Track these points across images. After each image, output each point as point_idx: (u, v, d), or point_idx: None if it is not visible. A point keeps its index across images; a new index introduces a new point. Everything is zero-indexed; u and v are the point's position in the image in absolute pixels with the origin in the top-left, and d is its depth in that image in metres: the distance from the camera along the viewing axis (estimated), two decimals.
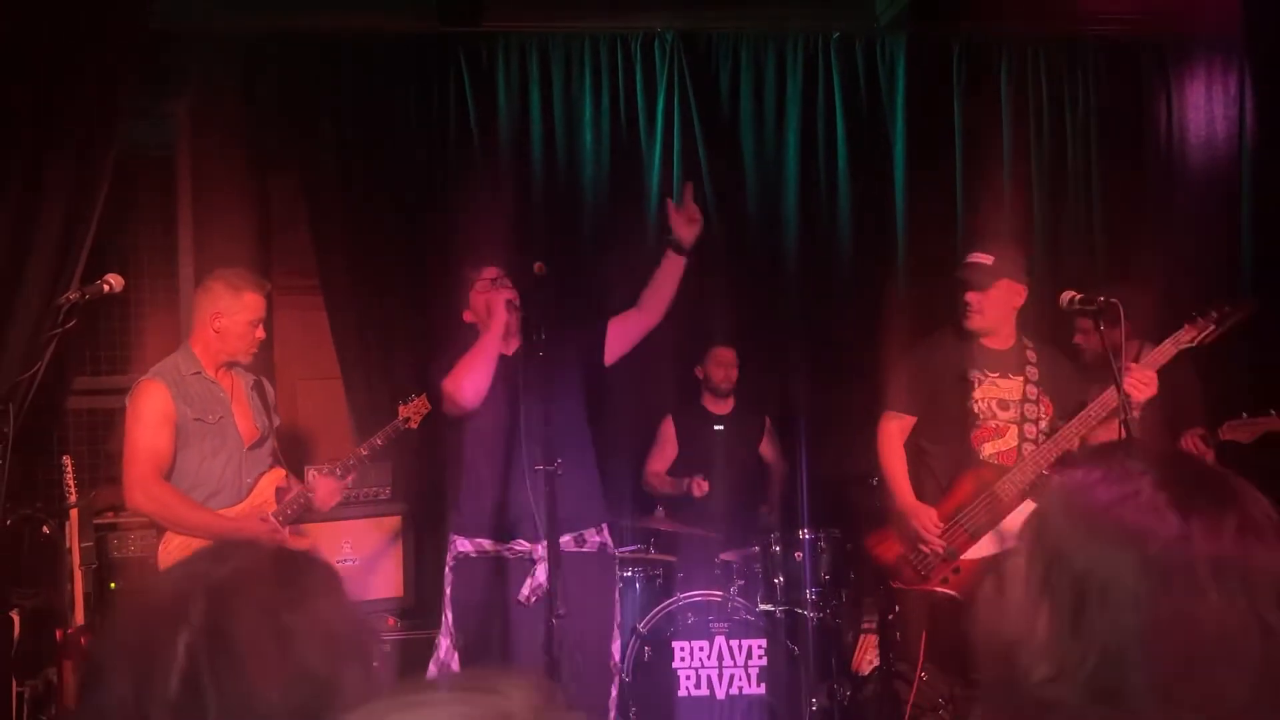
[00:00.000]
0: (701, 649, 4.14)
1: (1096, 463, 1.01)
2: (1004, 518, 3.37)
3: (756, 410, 4.91)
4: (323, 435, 4.85)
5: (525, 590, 3.25)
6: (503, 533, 3.32)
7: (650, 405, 4.93)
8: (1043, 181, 5.12)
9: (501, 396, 3.33)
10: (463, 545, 3.41)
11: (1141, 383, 3.20)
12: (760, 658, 4.14)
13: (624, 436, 4.76)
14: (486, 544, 3.36)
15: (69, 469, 3.90)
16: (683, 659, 4.12)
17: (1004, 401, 3.44)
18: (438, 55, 4.86)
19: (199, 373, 3.41)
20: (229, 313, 3.41)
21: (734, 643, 4.15)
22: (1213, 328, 3.07)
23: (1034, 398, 3.44)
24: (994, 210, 4.87)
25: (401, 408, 3.71)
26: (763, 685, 4.13)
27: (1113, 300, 3.19)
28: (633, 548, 4.40)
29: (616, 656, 3.62)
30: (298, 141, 4.81)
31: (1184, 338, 3.25)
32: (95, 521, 4.03)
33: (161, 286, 4.77)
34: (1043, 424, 3.45)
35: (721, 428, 4.82)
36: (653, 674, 4.10)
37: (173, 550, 3.35)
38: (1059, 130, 5.14)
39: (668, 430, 4.86)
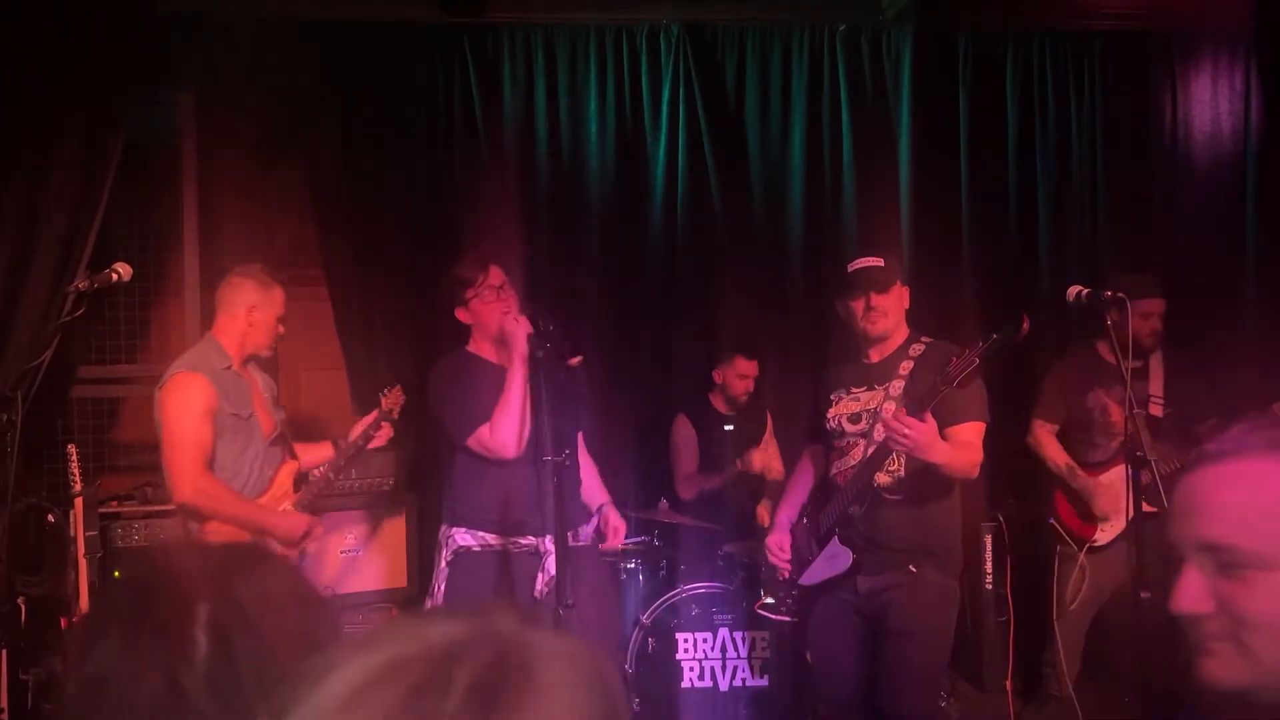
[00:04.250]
0: (705, 640, 4.16)
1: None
2: None
3: (760, 407, 4.92)
4: (326, 426, 4.85)
5: (539, 585, 3.20)
6: (508, 526, 3.26)
7: (655, 400, 4.93)
8: (1048, 174, 5.12)
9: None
10: (463, 538, 3.29)
11: (908, 432, 2.83)
12: (764, 650, 4.16)
13: (628, 431, 4.77)
14: (490, 538, 3.27)
15: (74, 458, 3.90)
16: (686, 650, 4.14)
17: (855, 415, 3.24)
18: (443, 45, 4.85)
19: (229, 367, 3.43)
20: (262, 307, 3.46)
21: (738, 634, 4.16)
22: (976, 361, 2.86)
23: (888, 414, 3.05)
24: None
25: (384, 399, 3.72)
26: (766, 677, 4.15)
27: (1120, 294, 3.20)
28: (637, 540, 4.40)
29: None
30: (302, 130, 4.80)
31: (949, 376, 2.87)
32: (100, 510, 4.04)
33: (166, 275, 4.77)
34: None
35: (731, 427, 4.82)
36: (656, 665, 4.11)
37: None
38: (1064, 123, 5.13)
39: (686, 431, 4.81)
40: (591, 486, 3.49)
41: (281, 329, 3.54)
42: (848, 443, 3.23)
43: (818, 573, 3.26)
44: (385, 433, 3.67)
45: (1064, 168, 5.13)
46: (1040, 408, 4.25)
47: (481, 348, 3.37)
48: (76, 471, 3.87)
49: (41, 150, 3.59)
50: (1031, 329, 2.83)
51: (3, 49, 3.59)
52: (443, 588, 3.30)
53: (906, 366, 3.17)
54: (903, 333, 3.25)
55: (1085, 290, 3.23)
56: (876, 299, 3.16)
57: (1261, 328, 4.82)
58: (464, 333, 3.41)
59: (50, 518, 4.00)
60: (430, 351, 4.80)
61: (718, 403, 4.83)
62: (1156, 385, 4.07)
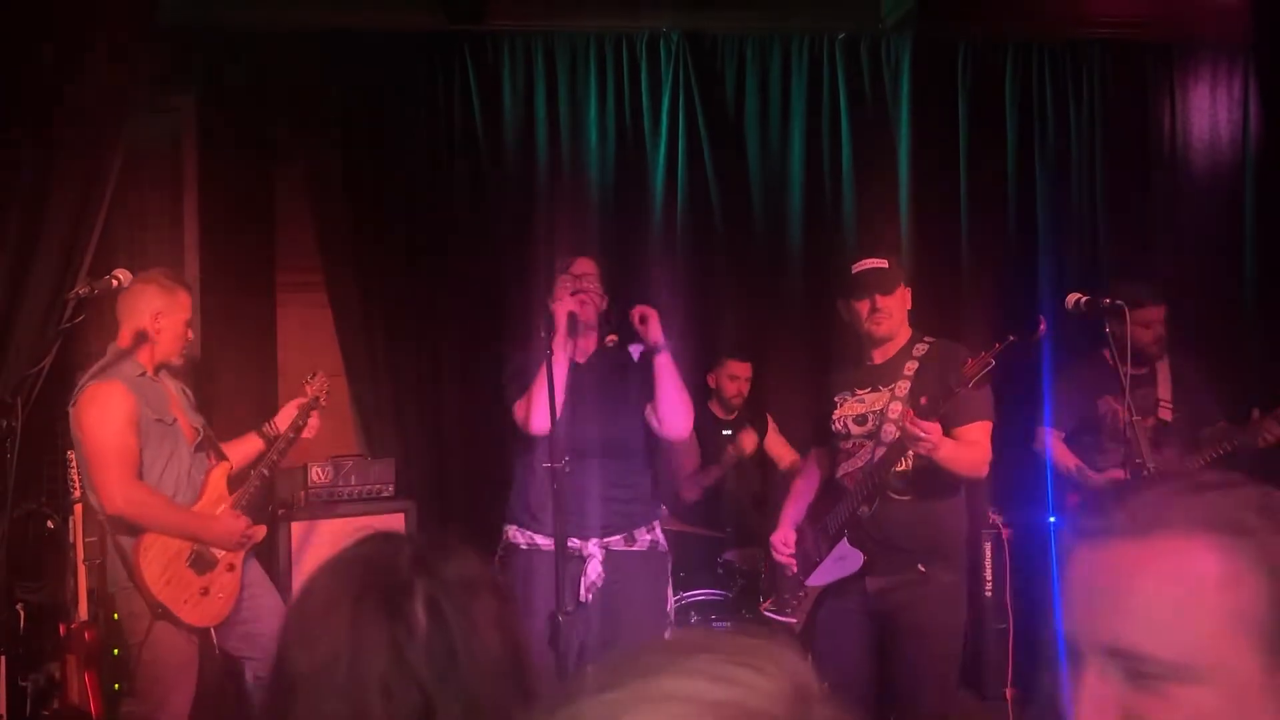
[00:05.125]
0: None
1: None
2: None
3: (759, 411, 4.91)
4: (325, 432, 4.85)
5: (583, 589, 3.22)
6: (551, 526, 3.22)
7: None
8: (1047, 182, 5.13)
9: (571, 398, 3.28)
10: (514, 535, 3.33)
11: (923, 435, 2.88)
12: None
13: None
14: (539, 538, 3.28)
15: (73, 464, 3.89)
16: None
17: (861, 417, 3.24)
18: (443, 52, 4.86)
19: (144, 374, 3.36)
20: (168, 312, 3.38)
21: None
22: (992, 362, 2.88)
23: (894, 415, 3.13)
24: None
25: (308, 387, 3.70)
26: None
27: (1118, 302, 3.20)
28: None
29: None
30: (303, 137, 4.82)
31: (964, 378, 2.90)
32: (99, 517, 4.04)
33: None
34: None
35: (729, 432, 4.82)
36: None
37: (152, 556, 3.32)
38: (1063, 131, 5.14)
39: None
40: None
41: (190, 334, 3.46)
42: (854, 444, 3.23)
43: (826, 573, 3.26)
44: (314, 423, 3.64)
45: (1063, 175, 5.14)
46: (1049, 413, 4.25)
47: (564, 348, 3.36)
48: (76, 478, 3.86)
49: (43, 156, 3.60)
50: (1048, 332, 2.84)
51: (5, 54, 3.59)
52: None
53: (911, 367, 3.18)
54: (906, 333, 3.26)
55: (1084, 298, 3.24)
56: (881, 300, 3.18)
57: (1261, 334, 4.82)
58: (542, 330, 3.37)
59: (50, 524, 3.99)
60: (431, 357, 4.83)
61: (715, 408, 4.84)
62: (1165, 390, 4.06)
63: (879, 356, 3.26)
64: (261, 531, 3.60)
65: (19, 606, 3.85)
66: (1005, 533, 4.48)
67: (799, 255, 5.04)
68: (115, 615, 4.07)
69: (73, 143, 3.70)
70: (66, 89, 3.70)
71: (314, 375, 3.73)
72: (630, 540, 3.35)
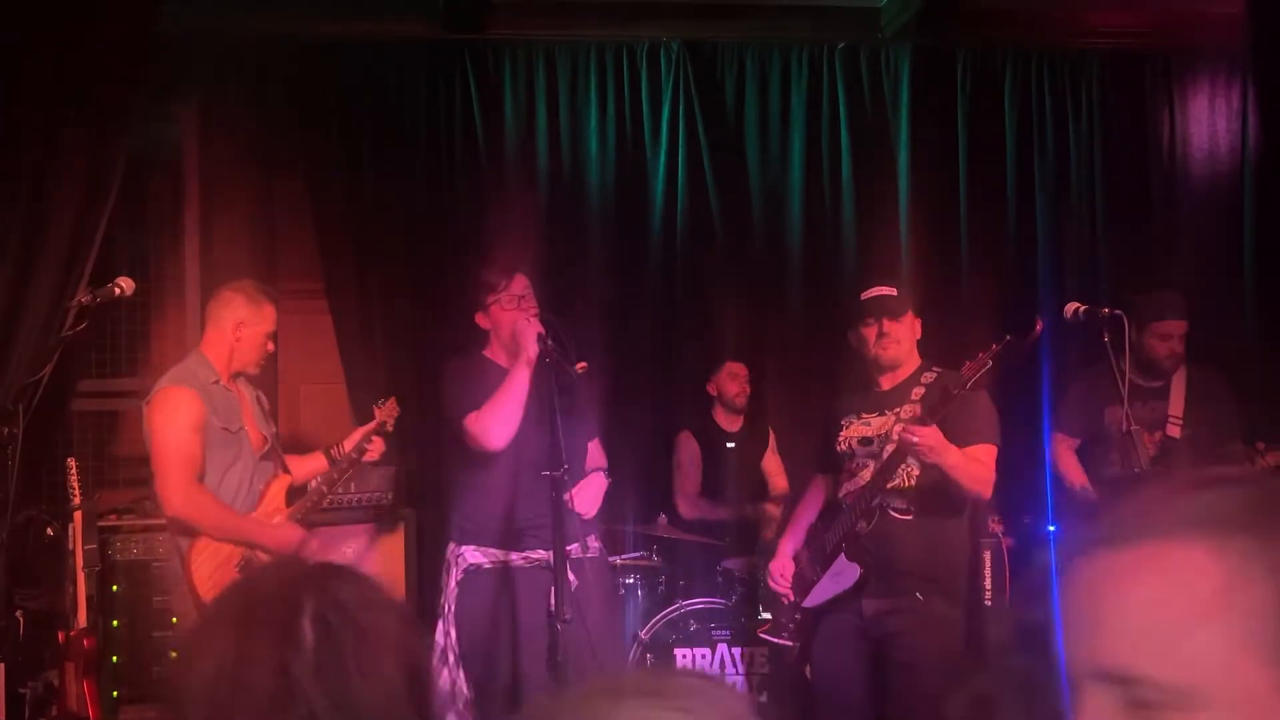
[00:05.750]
0: (704, 656, 4.15)
1: None
2: None
3: (762, 423, 4.92)
4: (325, 440, 4.85)
5: (552, 600, 3.18)
6: (517, 541, 3.26)
7: (658, 417, 4.93)
8: (1046, 192, 5.14)
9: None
10: (473, 556, 3.30)
11: (918, 438, 2.92)
12: (762, 666, 4.15)
13: (631, 448, 4.76)
14: (500, 553, 3.27)
15: (73, 471, 3.90)
16: (685, 666, 4.13)
17: (867, 439, 3.26)
18: (444, 61, 4.87)
19: (218, 381, 3.41)
20: (250, 323, 3.42)
21: (736, 650, 4.16)
22: (990, 363, 2.92)
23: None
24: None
25: (378, 411, 3.72)
26: (764, 694, 4.14)
27: (1117, 312, 3.21)
28: (635, 555, 4.40)
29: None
30: (305, 146, 4.83)
31: (963, 379, 2.97)
32: (99, 524, 4.04)
33: (167, 289, 4.78)
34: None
35: (733, 445, 4.82)
36: None
37: (204, 559, 3.35)
38: (1063, 141, 5.16)
39: (690, 448, 4.79)
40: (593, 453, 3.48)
41: (271, 346, 3.51)
42: (858, 464, 3.24)
43: (823, 592, 3.26)
44: (378, 446, 3.66)
45: (1062, 185, 5.15)
46: (1060, 422, 4.25)
47: (497, 354, 3.39)
48: (76, 485, 3.87)
49: (45, 164, 3.60)
50: (1044, 331, 2.85)
51: (8, 63, 3.60)
52: (453, 607, 3.29)
53: (918, 392, 3.19)
54: (914, 361, 3.28)
55: (1083, 307, 3.25)
56: (889, 325, 3.21)
57: (1261, 347, 4.83)
58: (479, 339, 3.44)
59: (49, 531, 3.99)
60: (430, 365, 4.83)
61: (720, 416, 4.84)
62: (1177, 406, 4.02)
63: (886, 383, 3.28)
64: (315, 545, 3.60)
65: (18, 613, 3.86)
66: (1005, 541, 4.48)
67: (799, 264, 5.04)
68: (115, 623, 4.08)
69: (75, 151, 3.71)
70: (69, 98, 3.71)
71: (385, 400, 3.75)
72: (584, 548, 3.34)
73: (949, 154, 5.11)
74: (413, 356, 4.79)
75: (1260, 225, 5.00)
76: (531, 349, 3.12)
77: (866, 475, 3.19)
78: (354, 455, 3.63)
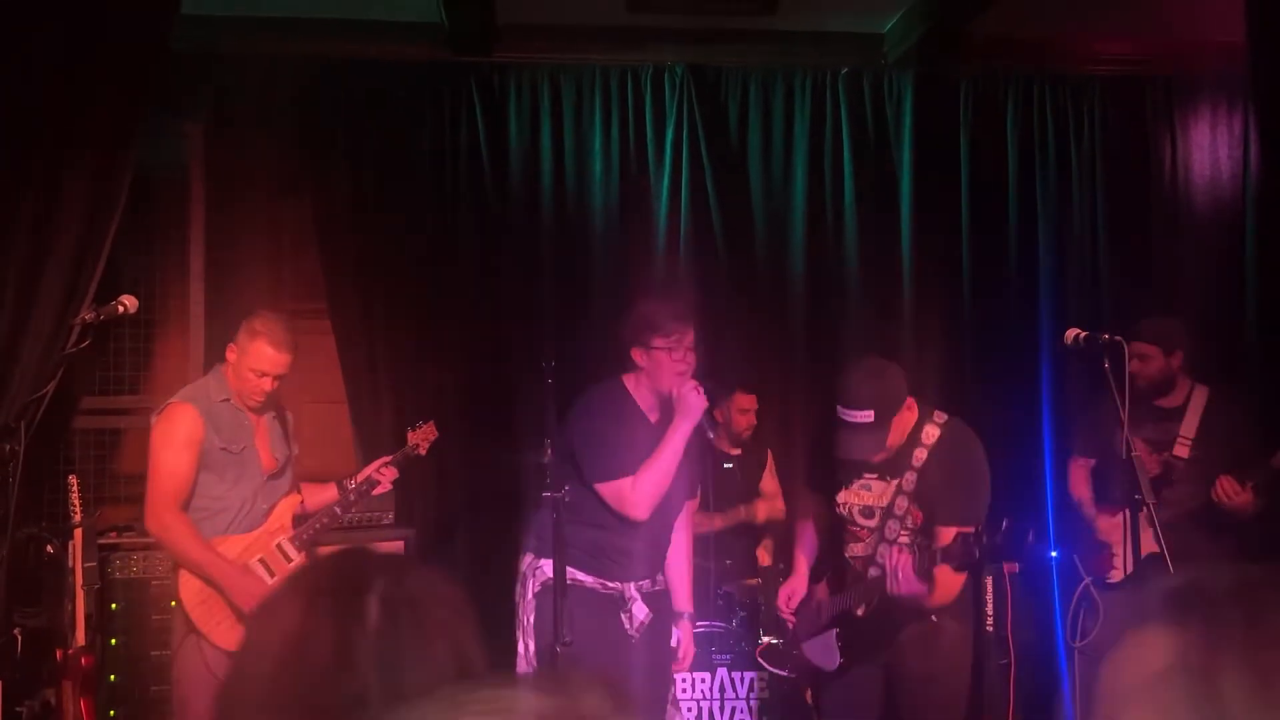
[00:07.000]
0: (703, 680, 4.13)
1: None
2: None
3: (760, 446, 4.91)
4: (327, 460, 4.85)
5: (629, 626, 3.26)
6: (598, 568, 3.26)
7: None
8: (1048, 217, 5.15)
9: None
10: (552, 570, 3.21)
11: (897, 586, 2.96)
12: (761, 690, 4.13)
13: None
14: (581, 575, 3.24)
15: (74, 488, 3.90)
16: (684, 690, 4.10)
17: (868, 509, 3.19)
18: (450, 84, 4.90)
19: (228, 400, 3.42)
20: (239, 354, 3.41)
21: (735, 674, 4.14)
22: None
23: (900, 511, 3.11)
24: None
25: (410, 434, 3.73)
26: (764, 718, 4.12)
27: (1117, 338, 3.21)
28: None
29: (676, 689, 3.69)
30: (310, 166, 4.85)
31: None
32: (99, 541, 4.03)
33: (171, 307, 4.80)
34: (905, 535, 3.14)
35: (730, 465, 4.82)
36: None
37: (194, 576, 3.37)
38: (1064, 167, 5.17)
39: None
40: (679, 587, 3.49)
41: (267, 386, 3.42)
42: (860, 530, 3.20)
43: (813, 653, 3.27)
44: (390, 475, 3.66)
45: (1064, 210, 5.16)
46: (1076, 443, 4.25)
47: (638, 390, 3.32)
48: (77, 502, 3.87)
49: (50, 181, 3.62)
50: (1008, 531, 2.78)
51: (14, 79, 3.63)
52: (532, 618, 3.27)
53: (920, 456, 3.08)
54: (910, 419, 3.11)
55: (1083, 334, 3.25)
56: (878, 441, 3.04)
57: (1262, 372, 4.82)
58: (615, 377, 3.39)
59: (49, 548, 3.99)
60: (433, 385, 4.83)
61: (720, 442, 4.83)
62: (1189, 427, 4.01)
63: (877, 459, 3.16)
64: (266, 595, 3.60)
65: (16, 631, 3.84)
66: (1007, 567, 4.46)
67: (802, 287, 5.05)
68: (113, 641, 4.06)
69: (81, 168, 3.73)
70: (76, 114, 3.73)
71: (423, 423, 3.77)
72: (655, 582, 3.39)
73: (951, 179, 5.12)
74: (415, 377, 4.80)
75: (1262, 251, 5.00)
76: (695, 421, 3.14)
77: (869, 541, 3.16)
78: (364, 488, 3.63)
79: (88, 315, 3.32)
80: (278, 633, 1.08)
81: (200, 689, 3.33)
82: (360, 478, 3.65)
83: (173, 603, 3.41)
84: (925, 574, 2.88)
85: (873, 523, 3.15)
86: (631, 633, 3.28)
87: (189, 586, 3.34)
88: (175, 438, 3.30)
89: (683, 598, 3.49)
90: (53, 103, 3.64)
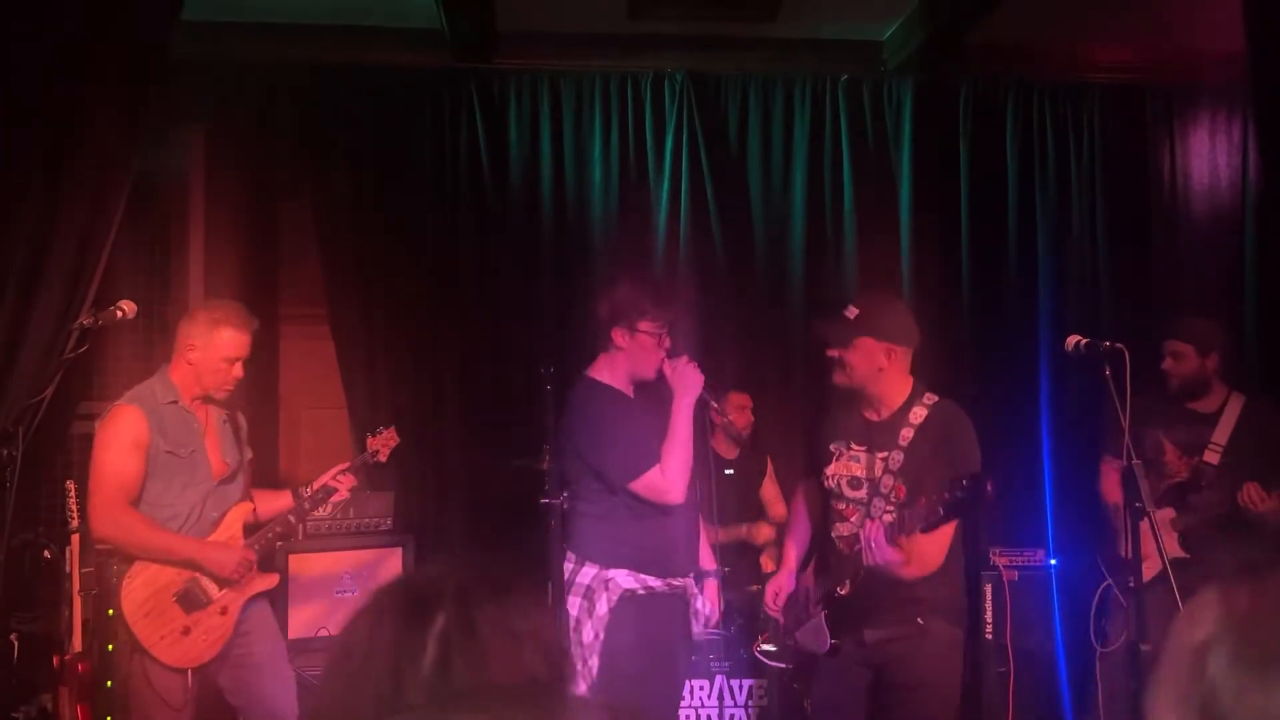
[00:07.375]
0: (702, 688, 4.12)
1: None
2: None
3: (760, 452, 4.91)
4: (326, 466, 4.84)
5: (696, 626, 3.27)
6: (666, 567, 3.23)
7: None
8: (1047, 224, 5.16)
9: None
10: (626, 581, 3.19)
11: (874, 557, 2.92)
12: (761, 698, 4.12)
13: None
14: (651, 580, 3.21)
15: (72, 494, 3.89)
16: (683, 698, 4.09)
17: (856, 480, 3.17)
18: (451, 90, 4.91)
19: (175, 402, 3.35)
20: (202, 347, 3.34)
21: (734, 682, 4.13)
22: (940, 512, 2.73)
23: (886, 489, 3.08)
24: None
25: (370, 439, 3.68)
26: None
27: (1118, 345, 3.21)
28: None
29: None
30: (310, 172, 4.86)
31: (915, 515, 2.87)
32: (97, 548, 4.02)
33: (170, 312, 4.79)
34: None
35: (731, 471, 4.81)
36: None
37: (138, 584, 3.27)
38: (1064, 174, 5.18)
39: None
40: (701, 547, 3.47)
41: (237, 372, 3.37)
42: (847, 506, 3.17)
43: (805, 639, 3.25)
44: (348, 482, 3.57)
45: (1064, 218, 5.17)
46: (1106, 444, 4.22)
47: (614, 376, 3.30)
48: (74, 508, 3.85)
49: (50, 186, 3.62)
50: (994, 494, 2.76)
51: (16, 84, 3.63)
52: (601, 635, 3.18)
53: (907, 435, 3.08)
54: (902, 393, 3.13)
55: (1083, 340, 3.24)
56: (835, 353, 3.10)
57: (1262, 381, 4.82)
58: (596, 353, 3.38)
59: (47, 554, 3.98)
60: (432, 391, 4.83)
61: (719, 444, 4.82)
62: (1222, 433, 3.97)
63: (871, 415, 3.17)
64: (273, 580, 3.55)
65: (13, 637, 3.83)
66: (1006, 574, 4.46)
67: (800, 294, 5.05)
68: (110, 647, 4.05)
69: (81, 174, 3.73)
70: (76, 120, 3.73)
71: (384, 429, 3.71)
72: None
73: (951, 186, 5.13)
74: (414, 382, 4.80)
75: (1261, 259, 5.01)
76: (694, 393, 3.19)
77: (855, 519, 3.12)
78: (321, 495, 3.54)
79: (86, 320, 3.31)
80: (344, 641, 1.09)
81: (163, 714, 3.22)
82: (317, 485, 3.55)
83: (109, 611, 3.29)
84: (894, 540, 2.86)
85: (860, 494, 3.13)
86: (698, 632, 3.28)
87: (133, 597, 3.24)
88: (120, 440, 3.24)
89: (706, 556, 3.46)
90: (53, 108, 3.64)
